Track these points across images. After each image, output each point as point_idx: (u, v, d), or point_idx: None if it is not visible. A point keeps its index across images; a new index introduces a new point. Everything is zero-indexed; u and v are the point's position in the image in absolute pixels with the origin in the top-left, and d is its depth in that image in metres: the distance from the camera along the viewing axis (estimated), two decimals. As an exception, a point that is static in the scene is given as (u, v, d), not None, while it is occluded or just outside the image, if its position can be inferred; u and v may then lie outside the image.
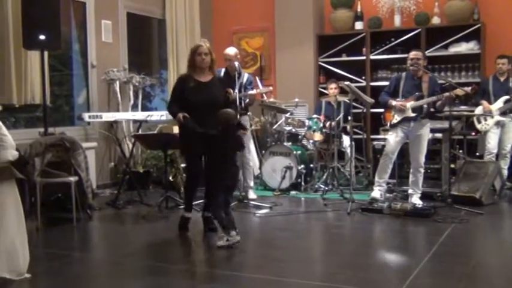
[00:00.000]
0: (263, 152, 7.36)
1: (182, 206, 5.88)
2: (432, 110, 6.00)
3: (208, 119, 4.80)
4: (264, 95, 7.05)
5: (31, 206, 5.29)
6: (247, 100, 6.45)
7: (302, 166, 7.05)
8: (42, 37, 5.70)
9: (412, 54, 6.05)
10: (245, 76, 6.55)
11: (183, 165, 6.65)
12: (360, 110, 7.73)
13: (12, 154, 3.67)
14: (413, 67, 5.98)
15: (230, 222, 4.55)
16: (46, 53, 6.08)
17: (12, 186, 3.67)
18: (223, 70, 6.45)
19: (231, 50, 6.48)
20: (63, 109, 7.46)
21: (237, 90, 6.24)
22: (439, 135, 6.48)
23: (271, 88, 6.62)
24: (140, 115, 6.91)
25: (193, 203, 5.29)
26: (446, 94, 5.78)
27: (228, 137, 4.64)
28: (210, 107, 4.85)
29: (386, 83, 7.20)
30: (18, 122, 6.69)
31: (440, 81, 6.43)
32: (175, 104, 4.97)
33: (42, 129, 5.96)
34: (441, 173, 6.45)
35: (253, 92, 6.38)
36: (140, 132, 6.75)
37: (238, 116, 5.93)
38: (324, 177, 7.09)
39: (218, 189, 4.65)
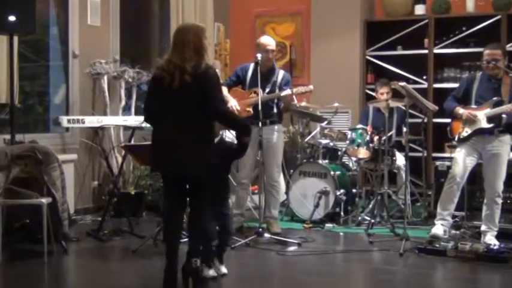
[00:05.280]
0: (291, 171, 7.37)
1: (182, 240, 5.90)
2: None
3: None
4: (294, 97, 7.06)
5: (-9, 234, 5.36)
6: (282, 104, 6.49)
7: (342, 191, 7.03)
8: (12, 18, 5.78)
9: (488, 52, 6.02)
10: (280, 73, 6.60)
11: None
12: (419, 120, 7.68)
13: None
14: (490, 66, 5.95)
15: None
16: (16, 39, 6.17)
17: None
18: (251, 65, 6.51)
19: (269, 39, 6.61)
20: (35, 111, 7.56)
21: (265, 92, 6.34)
22: (523, 155, 6.43)
23: (311, 87, 6.62)
24: (133, 120, 6.96)
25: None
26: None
27: None
28: None
29: (454, 85, 7.18)
30: (-22, 126, 6.79)
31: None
32: None
33: (7, 136, 6.04)
34: (525, 205, 6.40)
35: (287, 92, 6.39)
36: (133, 142, 6.81)
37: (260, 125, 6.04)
38: (370, 206, 7.06)
39: None
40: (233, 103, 6.38)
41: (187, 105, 4.57)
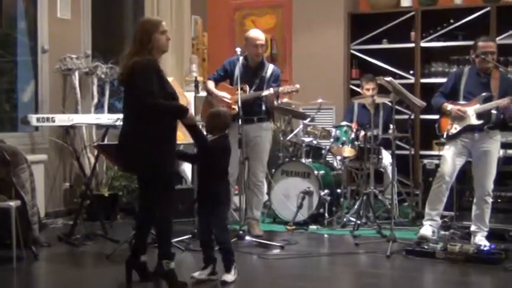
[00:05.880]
0: (273, 171, 7.37)
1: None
2: (503, 117, 6.01)
3: None
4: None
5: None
6: (265, 103, 6.47)
7: (326, 191, 7.05)
8: (-24, 11, 5.76)
9: (483, 44, 6.04)
10: (269, 68, 6.60)
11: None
12: (406, 116, 7.72)
13: None
14: (482, 60, 5.98)
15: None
16: (-19, 33, 6.14)
17: None
18: (240, 60, 6.48)
19: (259, 33, 6.60)
20: (2, 109, 7.50)
21: (253, 88, 6.32)
22: (513, 152, 6.49)
23: (297, 86, 6.58)
24: (106, 118, 6.93)
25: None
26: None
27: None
28: None
29: (442, 80, 7.22)
30: None
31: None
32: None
33: (-27, 136, 6.00)
34: (516, 204, 6.45)
35: (268, 92, 6.36)
36: (106, 141, 6.77)
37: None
38: (356, 207, 7.08)
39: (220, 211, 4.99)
40: (223, 94, 6.43)
41: (125, 102, 4.84)
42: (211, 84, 6.59)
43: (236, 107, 6.30)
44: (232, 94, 6.44)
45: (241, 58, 6.48)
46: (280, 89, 6.47)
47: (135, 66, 4.65)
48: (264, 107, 6.50)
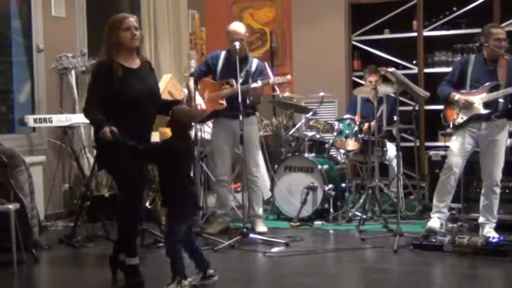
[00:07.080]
0: (276, 166, 7.39)
1: (161, 244, 5.94)
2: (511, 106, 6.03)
3: (149, 121, 4.91)
4: (276, 87, 7.06)
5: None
6: (251, 97, 6.47)
7: (330, 186, 7.06)
8: (-31, 11, 5.77)
9: (497, 30, 6.02)
10: (253, 62, 6.61)
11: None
12: (410, 108, 7.72)
13: None
14: (496, 47, 5.97)
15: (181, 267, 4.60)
16: (-25, 33, 6.15)
17: None
18: (222, 54, 6.51)
19: (240, 26, 6.58)
20: (-2, 110, 7.53)
21: (239, 83, 6.30)
22: (521, 141, 6.49)
23: (289, 77, 6.61)
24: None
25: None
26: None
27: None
28: (151, 104, 4.89)
29: (446, 70, 7.22)
30: None
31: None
32: (97, 106, 4.72)
33: (-31, 138, 6.01)
34: (525, 195, 6.46)
35: (255, 85, 6.37)
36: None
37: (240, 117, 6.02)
38: (361, 201, 7.10)
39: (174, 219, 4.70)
40: (199, 102, 6.38)
41: None
42: (191, 83, 6.54)
43: (224, 102, 6.32)
44: (217, 89, 6.44)
45: (224, 52, 6.52)
46: (271, 80, 6.48)
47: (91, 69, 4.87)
48: (248, 101, 6.45)
